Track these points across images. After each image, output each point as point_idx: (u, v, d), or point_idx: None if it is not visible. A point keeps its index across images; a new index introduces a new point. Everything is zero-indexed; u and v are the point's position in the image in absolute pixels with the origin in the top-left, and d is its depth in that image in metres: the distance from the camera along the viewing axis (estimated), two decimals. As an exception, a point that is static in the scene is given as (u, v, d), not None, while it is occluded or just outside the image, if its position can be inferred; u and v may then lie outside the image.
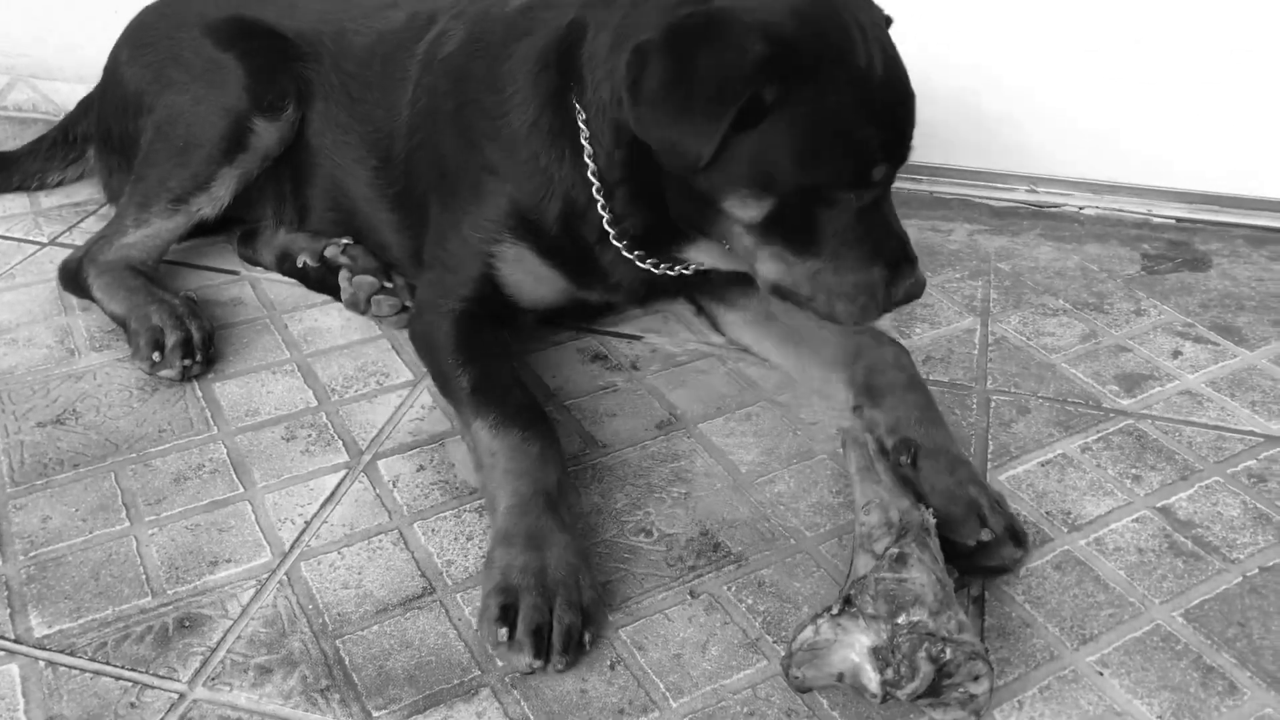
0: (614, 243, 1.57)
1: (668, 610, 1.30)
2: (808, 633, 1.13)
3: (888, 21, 1.48)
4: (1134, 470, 1.53)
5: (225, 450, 1.56)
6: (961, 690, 1.12)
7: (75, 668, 1.23)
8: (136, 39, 2.01)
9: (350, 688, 1.21)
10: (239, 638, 1.27)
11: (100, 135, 2.10)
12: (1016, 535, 1.35)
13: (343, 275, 1.86)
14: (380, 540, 1.41)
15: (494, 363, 1.56)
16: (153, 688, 1.20)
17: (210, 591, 1.33)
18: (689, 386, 1.70)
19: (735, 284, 1.73)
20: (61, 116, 2.31)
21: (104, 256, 1.85)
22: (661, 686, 1.21)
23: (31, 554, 1.38)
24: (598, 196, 1.54)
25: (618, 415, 1.64)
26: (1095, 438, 1.59)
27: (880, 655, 1.10)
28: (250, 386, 1.70)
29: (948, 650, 1.10)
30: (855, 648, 1.12)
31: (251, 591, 1.33)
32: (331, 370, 1.75)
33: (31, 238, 2.13)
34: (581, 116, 1.52)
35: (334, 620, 1.29)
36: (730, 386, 1.71)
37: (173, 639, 1.26)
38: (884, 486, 1.33)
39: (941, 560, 1.22)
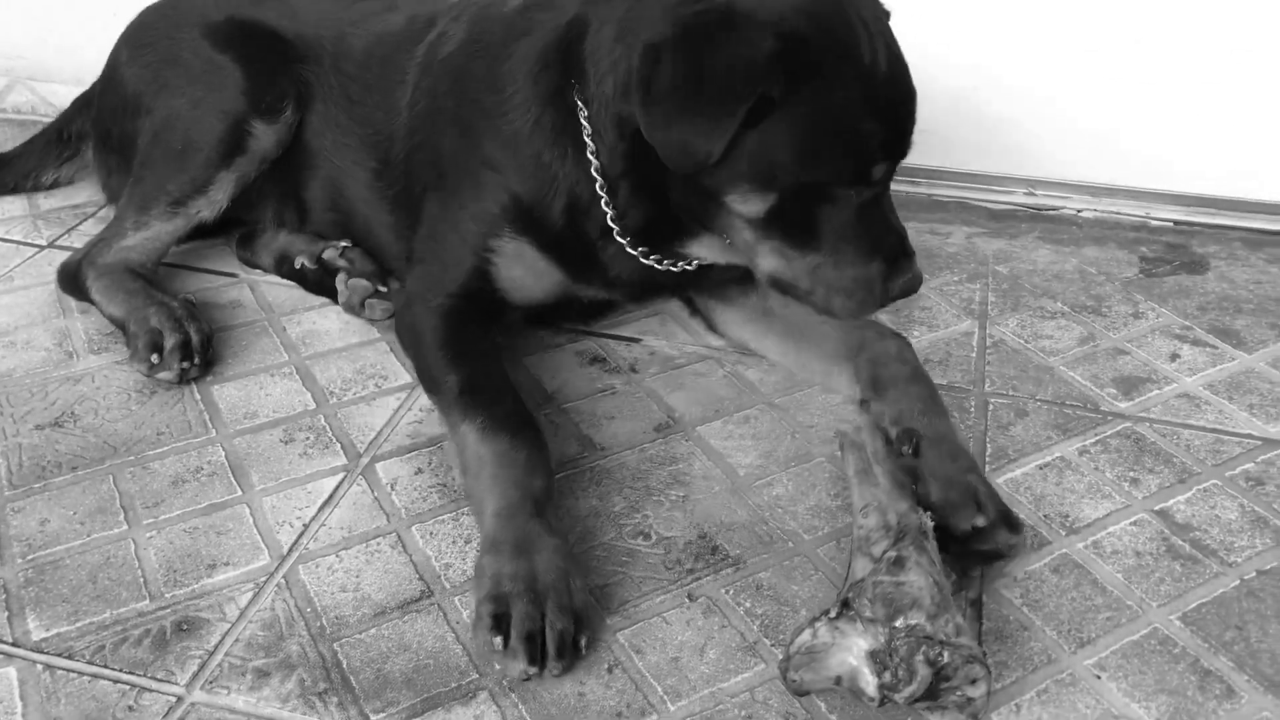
0: (617, 238, 1.57)
1: (666, 613, 1.30)
2: (805, 636, 1.13)
3: (887, 14, 1.48)
4: (1132, 473, 1.53)
5: (223, 453, 1.57)
6: (959, 693, 1.12)
7: (73, 671, 1.23)
8: (136, 39, 2.01)
9: (348, 691, 1.21)
10: (237, 641, 1.27)
11: (99, 135, 2.10)
12: (1011, 522, 1.37)
13: (340, 278, 1.86)
14: (378, 543, 1.41)
15: (482, 363, 1.56)
16: (151, 691, 1.20)
17: (208, 594, 1.33)
18: (687, 389, 1.71)
19: (733, 282, 1.73)
20: (60, 119, 2.31)
21: (103, 259, 1.85)
22: (659, 690, 1.21)
23: (29, 557, 1.38)
24: (601, 193, 1.54)
25: (616, 418, 1.64)
26: (1093, 441, 1.59)
27: (878, 658, 1.11)
28: (249, 389, 1.70)
29: (945, 653, 1.10)
30: (853, 651, 1.12)
31: (249, 594, 1.33)
32: (330, 373, 1.75)
33: (30, 240, 2.13)
34: (583, 114, 1.52)
35: (332, 623, 1.29)
36: (728, 389, 1.71)
37: (170, 642, 1.26)
38: (882, 490, 1.33)
39: (940, 563, 1.22)
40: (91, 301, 1.84)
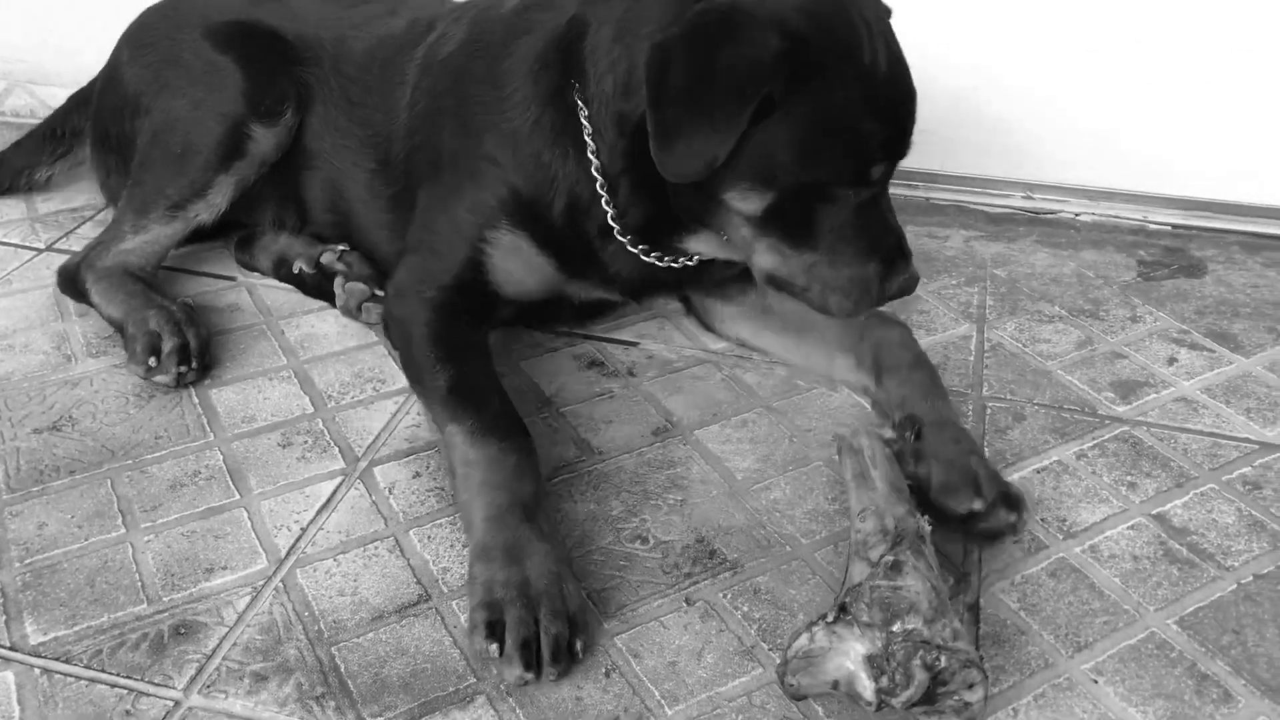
0: (618, 236, 1.58)
1: (663, 617, 1.30)
2: (803, 640, 1.14)
3: (888, 12, 1.48)
4: (1129, 477, 1.53)
5: (221, 457, 1.57)
6: (956, 698, 1.12)
7: (70, 675, 1.23)
8: (137, 39, 2.01)
9: (346, 695, 1.21)
10: (234, 645, 1.27)
11: (98, 134, 2.09)
12: (1011, 501, 1.40)
13: (337, 281, 1.86)
14: (376, 547, 1.41)
15: (472, 363, 1.55)
16: (148, 695, 1.20)
17: (206, 599, 1.33)
18: (685, 393, 1.71)
19: (732, 280, 1.74)
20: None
21: (102, 262, 1.85)
22: (657, 694, 1.21)
23: (27, 561, 1.38)
24: (601, 192, 1.55)
25: (614, 422, 1.64)
26: (1091, 444, 1.59)
27: (875, 663, 1.11)
28: (247, 393, 1.70)
29: (942, 658, 1.10)
30: (850, 655, 1.12)
31: (247, 598, 1.33)
32: (328, 376, 1.75)
33: (28, 243, 2.13)
34: (584, 113, 1.52)
35: (330, 627, 1.29)
36: (726, 393, 1.71)
37: (168, 646, 1.26)
38: (879, 494, 1.34)
39: (937, 568, 1.23)
40: (91, 304, 1.84)
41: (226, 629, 1.29)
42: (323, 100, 1.88)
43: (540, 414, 1.65)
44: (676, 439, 1.60)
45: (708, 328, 1.85)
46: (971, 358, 1.80)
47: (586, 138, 1.53)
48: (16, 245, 2.13)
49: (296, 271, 1.93)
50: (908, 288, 1.48)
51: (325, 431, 1.62)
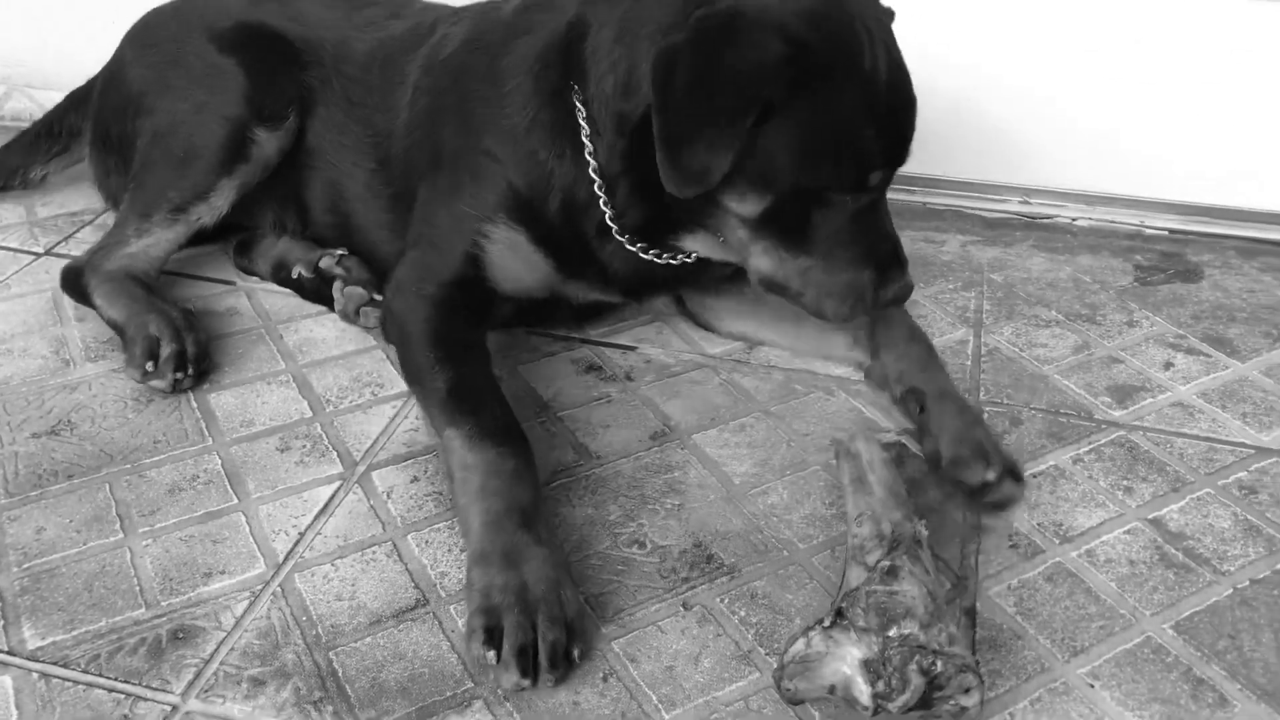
0: (616, 236, 1.58)
1: (660, 622, 1.31)
2: (799, 645, 1.14)
3: (891, 15, 1.49)
4: (1125, 482, 1.53)
5: (220, 461, 1.57)
6: (952, 703, 1.13)
7: (68, 680, 1.23)
8: (142, 39, 2.02)
9: (343, 700, 1.21)
10: (232, 649, 1.27)
11: (98, 134, 2.08)
12: (1015, 473, 1.48)
13: (336, 286, 1.87)
14: (374, 552, 1.41)
15: (471, 365, 1.55)
16: (146, 700, 1.21)
17: (204, 603, 1.33)
18: (683, 397, 1.71)
19: (728, 278, 1.75)
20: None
21: (107, 265, 1.85)
22: (654, 698, 1.21)
23: (25, 566, 1.38)
24: (599, 193, 1.55)
25: (611, 426, 1.65)
26: (1087, 449, 1.60)
27: (871, 668, 1.11)
28: (245, 397, 1.71)
29: (939, 663, 1.10)
30: (847, 660, 1.12)
31: (245, 603, 1.33)
32: (326, 381, 1.75)
33: (27, 248, 2.14)
34: (582, 114, 1.53)
35: (327, 632, 1.29)
36: (724, 397, 1.71)
37: (166, 651, 1.27)
38: (876, 498, 1.34)
39: (934, 572, 1.23)
40: (92, 305, 1.84)
41: (224, 633, 1.29)
42: (324, 102, 1.89)
43: (538, 418, 1.65)
44: (674, 443, 1.61)
45: (703, 324, 1.86)
46: (968, 362, 1.81)
47: (584, 138, 1.53)
48: (15, 249, 2.13)
49: (295, 276, 1.94)
50: (902, 295, 1.49)
51: (323, 436, 1.62)
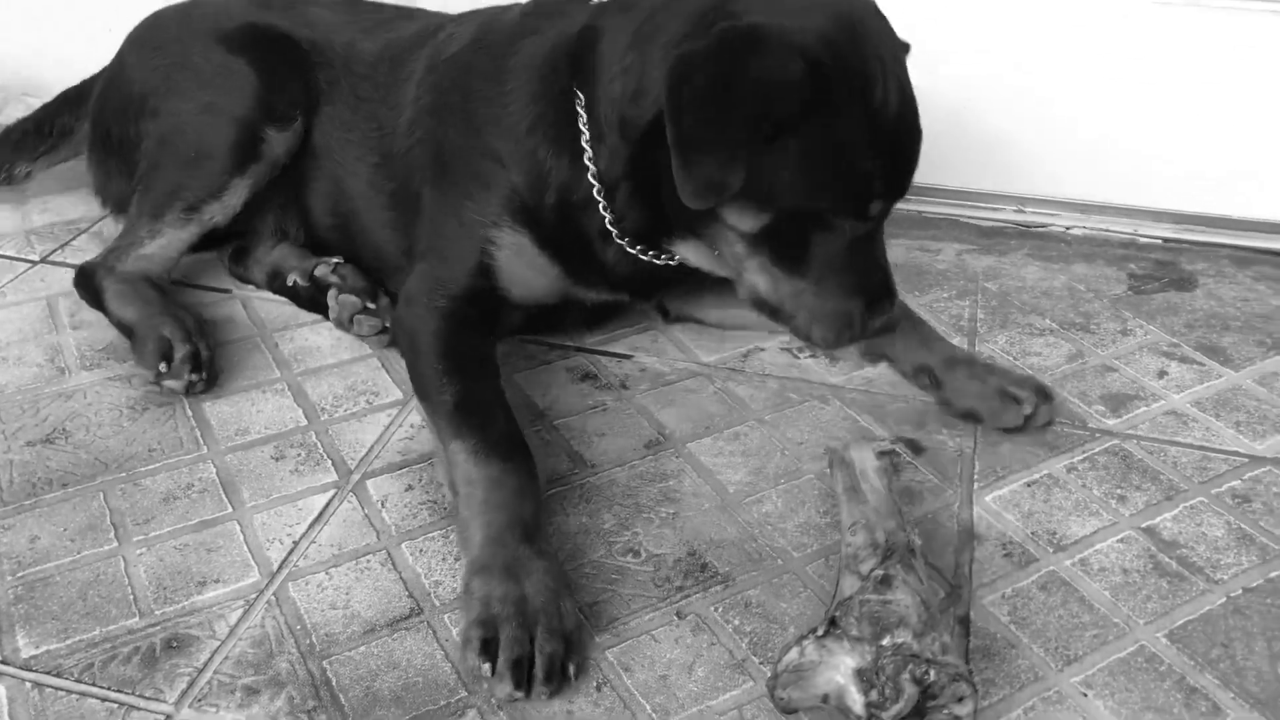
0: (616, 240, 1.59)
1: (655, 631, 1.31)
2: (793, 654, 1.14)
3: (906, 49, 1.50)
4: (1119, 490, 1.54)
5: (214, 470, 1.57)
6: (946, 712, 1.13)
7: (62, 689, 1.23)
8: (145, 41, 2.01)
9: (337, 709, 1.21)
10: (226, 658, 1.27)
11: (98, 136, 2.08)
12: (1043, 393, 1.64)
13: (331, 294, 1.87)
14: (368, 560, 1.41)
15: (480, 380, 1.56)
16: (139, 709, 1.20)
17: (198, 612, 1.33)
18: (678, 405, 1.71)
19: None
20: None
21: (122, 267, 1.84)
22: (648, 708, 1.21)
23: (19, 574, 1.38)
24: (598, 197, 1.56)
25: (606, 434, 1.65)
26: (1081, 458, 1.60)
27: (865, 677, 1.11)
28: (240, 405, 1.71)
29: (932, 672, 1.10)
30: (840, 669, 1.12)
31: (239, 612, 1.33)
32: (321, 389, 1.75)
33: (23, 255, 2.14)
34: (582, 119, 1.54)
35: (321, 641, 1.29)
36: (719, 406, 1.71)
37: (160, 660, 1.27)
38: (870, 507, 1.34)
39: (927, 581, 1.23)
40: (103, 305, 1.84)
41: (218, 642, 1.29)
42: (331, 101, 1.89)
43: (533, 427, 1.66)
44: (669, 452, 1.61)
45: (698, 321, 1.88)
46: (963, 371, 1.81)
47: (584, 143, 1.54)
48: (11, 258, 2.13)
49: (290, 284, 1.94)
50: (889, 327, 1.53)
51: (318, 444, 1.62)
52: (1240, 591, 1.37)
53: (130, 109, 1.96)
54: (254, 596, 1.35)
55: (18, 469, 1.56)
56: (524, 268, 1.64)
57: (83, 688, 1.23)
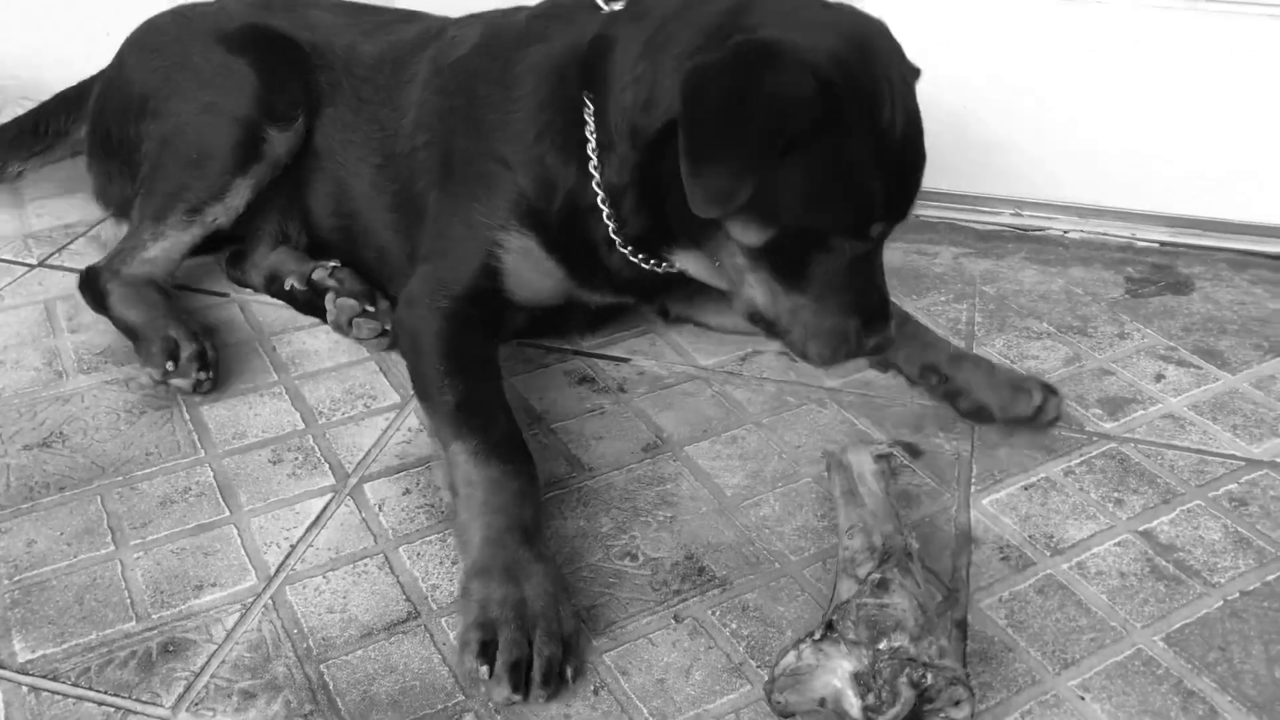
0: (620, 248, 1.60)
1: (652, 635, 1.31)
2: (790, 658, 1.14)
3: (916, 74, 1.50)
4: (1116, 494, 1.54)
5: (212, 473, 1.57)
6: (943, 715, 1.13)
7: (58, 693, 1.23)
8: (145, 42, 2.01)
9: (334, 713, 1.21)
10: (223, 662, 1.27)
11: (97, 138, 2.07)
12: (1050, 389, 1.66)
13: (329, 297, 1.87)
14: (366, 564, 1.41)
15: (481, 381, 1.56)
16: (136, 713, 1.20)
17: (195, 616, 1.33)
18: (676, 409, 1.71)
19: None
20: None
21: (127, 270, 1.84)
22: (645, 711, 1.21)
23: (16, 578, 1.38)
24: (602, 205, 1.56)
25: (604, 438, 1.65)
26: (1078, 461, 1.60)
27: (862, 680, 1.11)
28: (238, 409, 1.71)
29: (929, 675, 1.10)
30: (837, 673, 1.12)
31: (236, 616, 1.33)
32: (319, 393, 1.75)
33: (21, 259, 2.14)
34: (590, 126, 1.54)
35: (319, 645, 1.29)
36: (716, 409, 1.71)
37: (156, 664, 1.26)
38: (868, 511, 1.34)
39: (924, 585, 1.23)
40: (106, 308, 1.83)
41: (215, 646, 1.29)
42: (333, 102, 1.90)
43: (530, 430, 1.66)
44: (666, 455, 1.61)
45: (699, 324, 1.88)
46: (960, 374, 1.81)
47: (590, 151, 1.55)
48: (9, 261, 2.13)
49: (288, 288, 1.94)
50: (883, 346, 1.52)
51: (316, 448, 1.62)
52: (1237, 595, 1.37)
53: (131, 110, 1.96)
54: (251, 600, 1.35)
55: (14, 473, 1.56)
56: (530, 270, 1.64)
57: (79, 692, 1.23)
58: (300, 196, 1.96)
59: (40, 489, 1.53)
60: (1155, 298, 2.06)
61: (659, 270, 1.63)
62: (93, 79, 2.15)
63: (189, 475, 1.56)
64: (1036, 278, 2.13)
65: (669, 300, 1.85)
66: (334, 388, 1.76)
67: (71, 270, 2.04)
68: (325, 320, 1.90)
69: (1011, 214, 2.33)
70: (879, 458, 1.45)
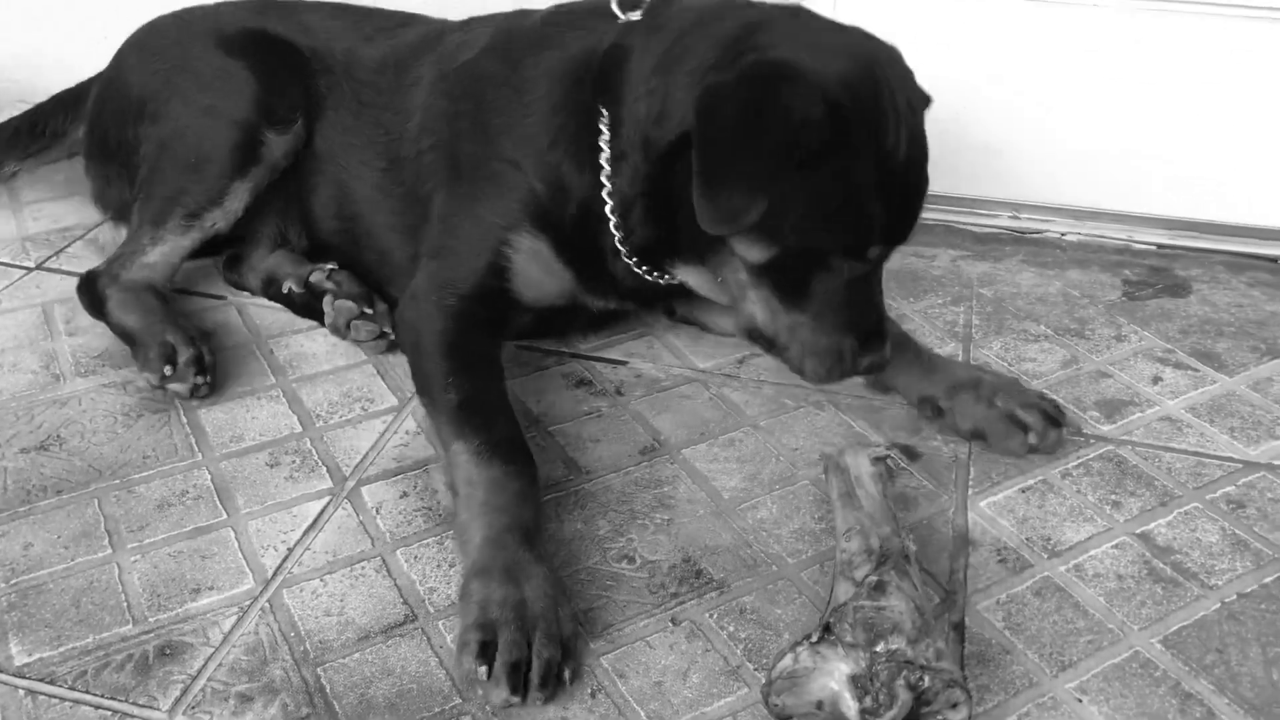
0: (624, 258, 1.60)
1: (649, 637, 1.31)
2: (787, 660, 1.14)
3: (926, 102, 1.51)
4: (1114, 496, 1.54)
5: (209, 476, 1.57)
6: (940, 717, 1.13)
7: (55, 696, 1.23)
8: (144, 45, 2.01)
9: (331, 716, 1.20)
10: (220, 666, 1.27)
11: (95, 140, 2.07)
12: (1054, 420, 1.60)
13: (326, 300, 1.87)
14: (363, 567, 1.41)
15: (484, 380, 1.56)
16: (132, 717, 1.20)
17: (192, 619, 1.33)
18: (673, 411, 1.71)
19: None
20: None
21: (126, 275, 1.84)
22: (643, 714, 1.21)
23: (13, 581, 1.38)
24: (610, 215, 1.57)
25: (601, 441, 1.65)
26: (1076, 464, 1.60)
27: (859, 683, 1.11)
28: (235, 412, 1.70)
29: (926, 678, 1.10)
30: (834, 676, 1.12)
31: (233, 619, 1.33)
32: (316, 396, 1.75)
33: (18, 262, 2.14)
34: (604, 136, 1.54)
35: (315, 648, 1.29)
36: (714, 412, 1.71)
37: (153, 667, 1.26)
38: (865, 513, 1.34)
39: (921, 587, 1.23)
40: (104, 313, 1.83)
41: (212, 649, 1.29)
42: (333, 106, 1.89)
43: (528, 432, 1.65)
44: (664, 458, 1.61)
45: (704, 327, 1.88)
46: (958, 377, 1.81)
47: (602, 160, 1.55)
48: (6, 264, 2.13)
49: (285, 291, 1.94)
50: (878, 365, 1.53)
51: (313, 451, 1.62)
52: (1235, 597, 1.37)
53: (129, 113, 1.96)
54: (248, 603, 1.35)
55: (12, 476, 1.56)
56: (539, 271, 1.64)
57: (76, 695, 1.23)
58: (301, 200, 1.96)
59: (37, 492, 1.53)
60: (1152, 300, 2.06)
61: (661, 282, 1.64)
62: (91, 81, 2.15)
63: (186, 478, 1.56)
64: (1034, 280, 2.13)
65: (674, 302, 1.86)
66: (331, 391, 1.76)
67: (69, 273, 2.04)
68: (323, 323, 1.90)
69: (1009, 216, 2.33)
70: (876, 460, 1.45)
